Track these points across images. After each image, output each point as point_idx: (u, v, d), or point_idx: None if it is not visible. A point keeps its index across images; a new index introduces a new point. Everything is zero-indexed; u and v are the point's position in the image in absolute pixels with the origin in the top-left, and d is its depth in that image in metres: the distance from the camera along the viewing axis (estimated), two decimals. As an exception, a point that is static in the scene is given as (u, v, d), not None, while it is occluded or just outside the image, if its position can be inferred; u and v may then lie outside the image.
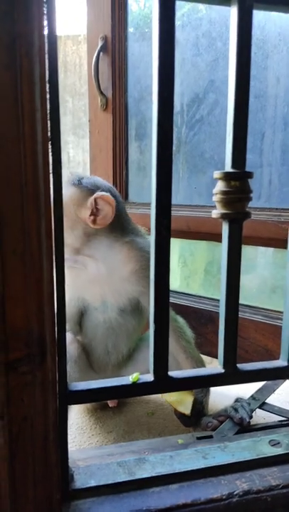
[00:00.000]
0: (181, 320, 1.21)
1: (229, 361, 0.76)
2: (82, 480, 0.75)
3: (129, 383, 0.72)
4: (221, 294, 0.75)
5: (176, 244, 1.72)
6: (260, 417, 1.20)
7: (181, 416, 1.08)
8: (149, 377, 0.73)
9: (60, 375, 0.66)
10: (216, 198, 0.72)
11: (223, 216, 0.71)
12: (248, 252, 1.41)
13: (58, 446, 0.65)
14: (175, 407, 1.05)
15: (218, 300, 1.44)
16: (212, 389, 1.22)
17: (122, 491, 0.74)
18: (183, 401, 1.04)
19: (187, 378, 0.75)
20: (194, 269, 1.71)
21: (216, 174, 0.71)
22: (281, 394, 1.37)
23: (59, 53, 3.92)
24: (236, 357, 0.76)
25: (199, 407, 1.11)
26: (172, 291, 1.54)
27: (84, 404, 1.24)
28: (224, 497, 0.74)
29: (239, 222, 0.72)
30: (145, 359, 1.00)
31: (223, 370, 0.76)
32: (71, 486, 0.73)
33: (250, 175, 0.70)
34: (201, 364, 1.17)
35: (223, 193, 0.70)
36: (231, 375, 0.76)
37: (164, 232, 0.69)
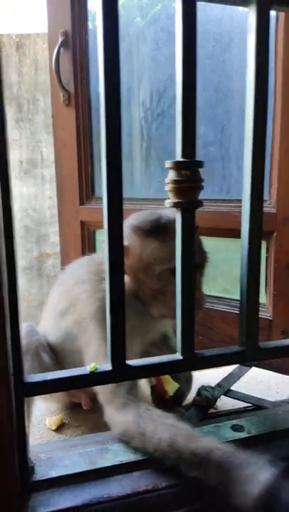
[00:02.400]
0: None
1: (187, 348, 0.77)
2: (43, 472, 0.75)
3: (87, 373, 0.72)
4: (176, 283, 0.76)
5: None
6: (228, 404, 1.22)
7: (158, 397, 1.10)
8: (107, 366, 0.74)
9: (15, 368, 0.65)
10: (168, 187, 0.73)
11: (176, 205, 0.72)
12: (211, 243, 1.43)
13: (14, 439, 0.65)
14: (164, 384, 1.07)
15: None
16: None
17: (84, 480, 0.74)
18: (170, 383, 1.08)
19: (145, 366, 0.75)
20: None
21: (167, 164, 0.72)
22: (248, 382, 1.39)
23: (29, 51, 3.87)
24: (194, 344, 0.77)
25: (179, 396, 1.12)
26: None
27: (42, 395, 1.21)
28: (185, 481, 0.75)
29: (191, 211, 0.73)
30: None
31: (181, 357, 0.77)
32: (32, 478, 0.73)
33: (200, 164, 0.71)
34: None
35: (175, 182, 0.71)
36: (189, 361, 0.77)
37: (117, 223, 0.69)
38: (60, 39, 1.59)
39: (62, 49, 1.59)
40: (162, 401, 1.09)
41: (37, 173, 3.86)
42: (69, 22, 1.58)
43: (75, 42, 1.58)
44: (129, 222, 0.99)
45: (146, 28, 1.50)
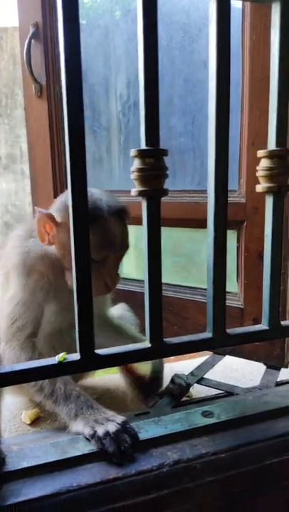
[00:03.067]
0: (127, 313, 1.26)
1: (155, 336, 0.78)
2: (14, 462, 0.75)
3: (55, 363, 0.72)
4: (144, 272, 0.77)
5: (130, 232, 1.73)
6: (202, 392, 1.24)
7: (137, 384, 1.12)
8: (76, 356, 0.74)
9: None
10: (133, 175, 0.73)
11: (141, 193, 0.73)
12: (184, 234, 1.44)
13: (-20, 428, 0.65)
14: (139, 371, 1.08)
15: (170, 284, 1.47)
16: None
17: (54, 470, 0.74)
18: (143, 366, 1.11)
19: (114, 354, 0.76)
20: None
21: (132, 152, 0.72)
22: (223, 371, 1.41)
23: (6, 45, 3.81)
24: (162, 332, 0.78)
25: (157, 375, 1.14)
26: (127, 278, 1.56)
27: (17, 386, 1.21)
28: (154, 468, 0.76)
29: (156, 199, 0.73)
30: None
31: (149, 345, 0.78)
32: (3, 469, 0.73)
33: (164, 152, 0.72)
34: None
35: (139, 170, 0.72)
36: (158, 349, 0.78)
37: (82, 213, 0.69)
38: (31, 31, 1.57)
39: (33, 41, 1.57)
40: (142, 385, 1.10)
41: (16, 169, 3.82)
42: (39, 14, 1.56)
43: (46, 34, 1.57)
44: (63, 201, 1.06)
45: (122, 20, 1.50)
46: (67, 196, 1.00)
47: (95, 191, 1.05)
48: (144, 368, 1.11)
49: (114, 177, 1.62)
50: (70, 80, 0.64)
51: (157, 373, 1.13)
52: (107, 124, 1.61)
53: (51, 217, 1.04)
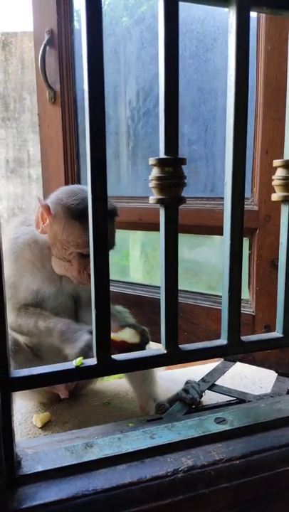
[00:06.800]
0: (122, 309, 1.27)
1: (171, 342, 0.79)
2: (29, 466, 0.76)
3: (72, 368, 0.73)
4: (160, 278, 0.78)
5: (138, 238, 1.74)
6: (213, 399, 1.24)
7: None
8: (93, 361, 0.75)
9: (1, 363, 0.66)
10: (151, 184, 0.74)
11: (159, 201, 0.74)
12: (196, 240, 1.45)
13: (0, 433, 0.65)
14: (127, 340, 1.07)
15: (180, 290, 1.46)
16: (164, 376, 1.25)
17: (69, 474, 0.75)
18: (131, 335, 1.08)
19: (130, 360, 0.77)
20: (156, 261, 1.74)
21: (151, 161, 0.73)
22: (233, 377, 1.41)
23: (16, 50, 3.85)
24: (177, 338, 0.79)
25: (147, 338, 1.14)
26: (134, 283, 1.57)
27: (29, 390, 1.24)
28: (169, 473, 0.76)
29: (174, 207, 0.74)
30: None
31: (165, 351, 0.79)
32: (18, 472, 0.74)
33: (182, 161, 0.73)
34: None
35: (158, 178, 0.73)
36: (173, 355, 0.79)
37: (101, 220, 0.70)
38: (46, 37, 1.59)
39: (48, 47, 1.59)
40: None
41: (24, 173, 3.84)
42: (54, 21, 1.58)
43: (60, 41, 1.59)
44: (59, 196, 1.19)
45: (132, 28, 1.51)
46: (62, 192, 1.20)
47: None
48: (126, 336, 1.09)
49: (122, 183, 1.64)
50: (92, 86, 0.65)
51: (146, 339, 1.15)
52: (115, 129, 1.62)
53: (47, 209, 1.14)
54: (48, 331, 1.13)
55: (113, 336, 1.04)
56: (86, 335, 1.07)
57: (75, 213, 1.12)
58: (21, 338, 1.23)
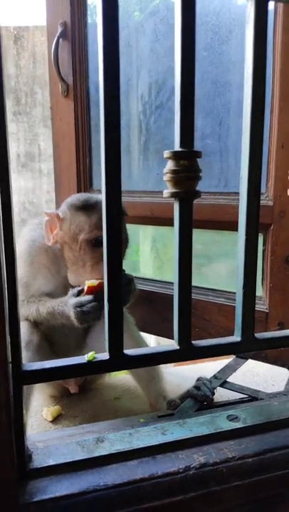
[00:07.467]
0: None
1: (184, 338, 0.78)
2: (40, 460, 0.75)
3: (84, 362, 0.73)
4: (174, 273, 0.77)
5: (148, 233, 1.73)
6: (224, 396, 1.23)
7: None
8: (105, 355, 0.74)
9: (14, 355, 0.66)
10: (166, 177, 0.73)
11: (173, 195, 0.73)
12: (209, 236, 1.43)
13: (10, 425, 0.65)
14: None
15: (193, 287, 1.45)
16: (173, 372, 1.25)
17: (80, 468, 0.75)
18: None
19: (143, 355, 0.76)
20: (167, 256, 1.73)
21: (166, 154, 0.72)
22: (245, 375, 1.40)
23: (27, 44, 3.84)
24: (190, 334, 0.78)
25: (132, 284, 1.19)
26: (145, 278, 1.56)
27: (39, 384, 1.26)
28: (181, 470, 0.76)
29: (189, 201, 0.73)
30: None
31: (178, 347, 0.78)
32: (29, 466, 0.74)
33: (198, 154, 0.72)
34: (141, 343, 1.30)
35: (173, 172, 0.71)
36: (186, 352, 0.78)
37: (115, 212, 0.69)
38: (59, 30, 1.58)
39: (61, 40, 1.58)
40: None
41: (34, 167, 3.84)
42: (68, 14, 1.57)
43: (74, 34, 1.58)
44: (67, 201, 1.25)
45: (146, 21, 1.50)
46: (69, 198, 1.26)
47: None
48: None
49: (134, 178, 1.63)
50: (108, 80, 0.64)
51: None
52: (127, 123, 1.61)
53: (57, 216, 1.19)
54: (60, 310, 1.16)
55: (93, 281, 1.11)
56: (71, 299, 1.12)
57: (79, 206, 1.19)
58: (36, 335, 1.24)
